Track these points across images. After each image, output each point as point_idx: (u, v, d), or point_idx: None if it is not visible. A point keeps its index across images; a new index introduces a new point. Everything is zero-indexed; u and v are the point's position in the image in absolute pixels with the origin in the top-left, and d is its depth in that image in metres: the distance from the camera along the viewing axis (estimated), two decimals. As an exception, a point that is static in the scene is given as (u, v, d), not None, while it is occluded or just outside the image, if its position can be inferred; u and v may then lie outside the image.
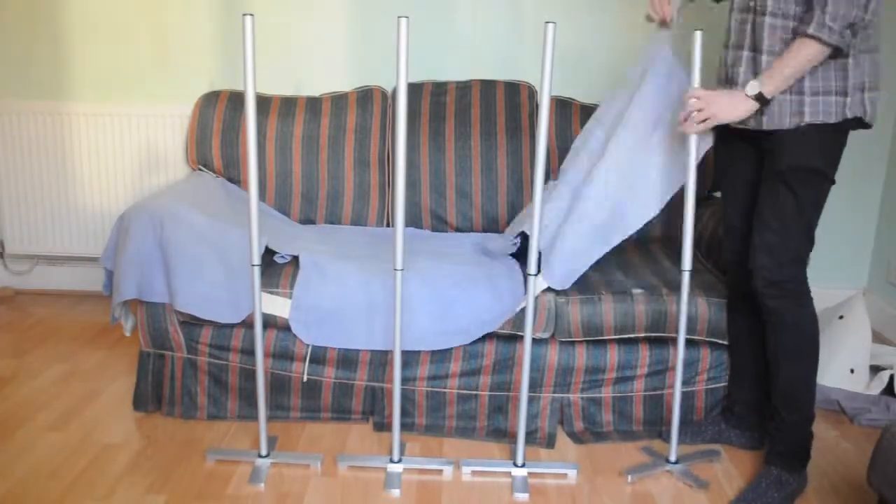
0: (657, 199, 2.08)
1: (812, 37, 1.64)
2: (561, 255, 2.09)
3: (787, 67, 1.70)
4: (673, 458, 2.05)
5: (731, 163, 2.00)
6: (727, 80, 1.88)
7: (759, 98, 1.74)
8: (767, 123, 1.80)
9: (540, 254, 1.96)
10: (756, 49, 1.80)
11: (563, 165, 2.29)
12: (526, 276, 1.93)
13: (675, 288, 2.14)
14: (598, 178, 2.10)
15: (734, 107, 1.78)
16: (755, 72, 1.79)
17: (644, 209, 2.09)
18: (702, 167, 2.65)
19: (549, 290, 2.12)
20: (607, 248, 2.11)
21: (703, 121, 1.82)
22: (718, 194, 2.74)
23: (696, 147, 1.91)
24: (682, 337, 1.99)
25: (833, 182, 1.82)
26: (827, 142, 1.78)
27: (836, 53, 1.70)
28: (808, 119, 1.75)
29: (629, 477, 2.00)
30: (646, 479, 2.02)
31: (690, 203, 1.92)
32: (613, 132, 2.11)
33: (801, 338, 1.88)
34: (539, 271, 1.98)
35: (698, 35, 1.83)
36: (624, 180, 2.09)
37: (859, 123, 1.79)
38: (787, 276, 1.85)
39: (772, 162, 1.83)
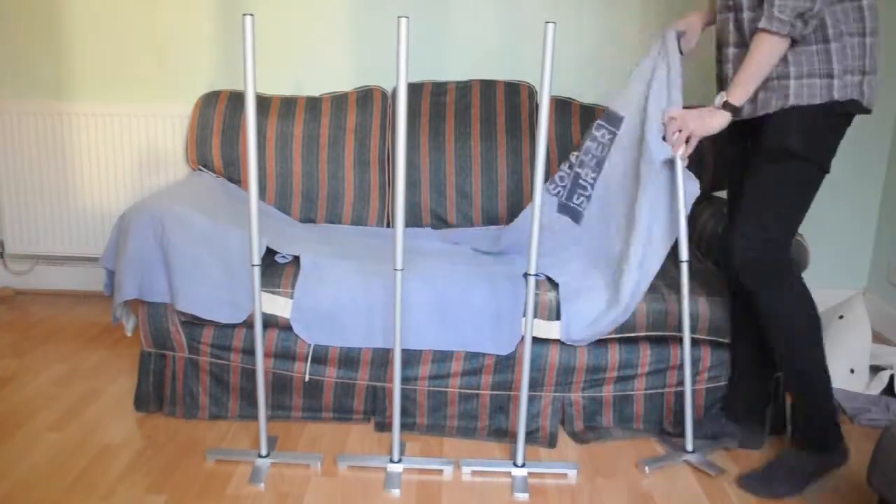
0: (659, 257, 2.06)
1: (764, 30, 1.70)
2: (585, 319, 2.07)
3: (749, 69, 1.76)
4: (689, 447, 2.08)
5: (735, 158, 2.04)
6: (720, 78, 1.95)
7: (728, 107, 1.81)
8: (758, 110, 1.84)
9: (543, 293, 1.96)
10: (741, 45, 1.85)
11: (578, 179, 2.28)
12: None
13: (676, 287, 2.14)
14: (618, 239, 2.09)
15: (708, 121, 1.84)
16: None
17: (651, 268, 2.07)
18: (700, 167, 2.65)
19: (549, 289, 2.12)
20: (626, 315, 2.07)
21: (687, 140, 1.91)
22: (717, 194, 2.75)
23: (685, 193, 1.97)
24: (685, 326, 1.99)
25: (824, 170, 1.81)
26: (811, 124, 1.78)
27: (794, 43, 1.73)
28: (792, 101, 1.77)
29: (647, 468, 2.02)
30: (665, 469, 2.04)
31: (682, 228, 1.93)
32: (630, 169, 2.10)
33: (784, 321, 1.87)
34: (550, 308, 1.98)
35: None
36: (637, 245, 2.07)
37: (857, 108, 1.78)
38: (762, 256, 1.85)
39: (756, 145, 1.88)
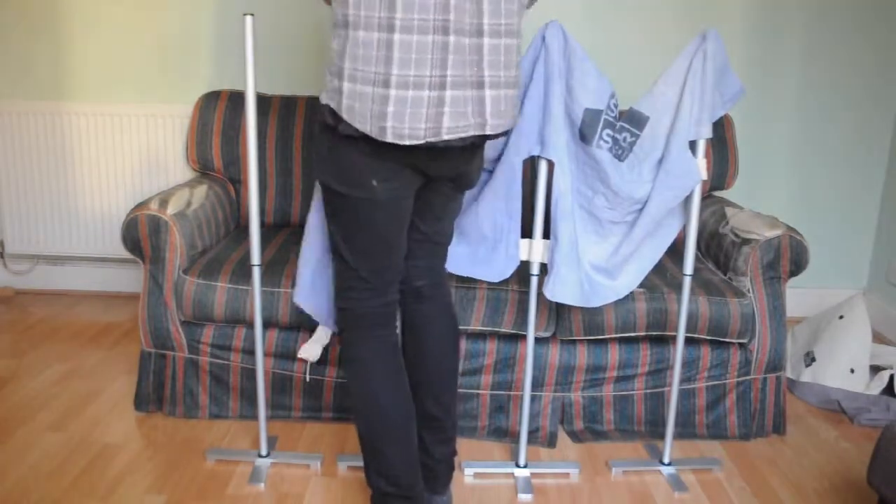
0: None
1: None
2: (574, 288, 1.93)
3: None
4: (666, 459, 2.06)
5: None
6: None
7: None
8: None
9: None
10: None
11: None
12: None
13: (676, 287, 2.14)
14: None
15: None
16: None
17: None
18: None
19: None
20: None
21: None
22: (717, 193, 2.75)
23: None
24: (681, 338, 1.99)
25: (364, 198, 1.45)
26: (326, 143, 1.46)
27: None
28: (323, 100, 1.45)
29: (614, 469, 2.02)
30: (631, 473, 2.03)
31: (695, 213, 1.92)
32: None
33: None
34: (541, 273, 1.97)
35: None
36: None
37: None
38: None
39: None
